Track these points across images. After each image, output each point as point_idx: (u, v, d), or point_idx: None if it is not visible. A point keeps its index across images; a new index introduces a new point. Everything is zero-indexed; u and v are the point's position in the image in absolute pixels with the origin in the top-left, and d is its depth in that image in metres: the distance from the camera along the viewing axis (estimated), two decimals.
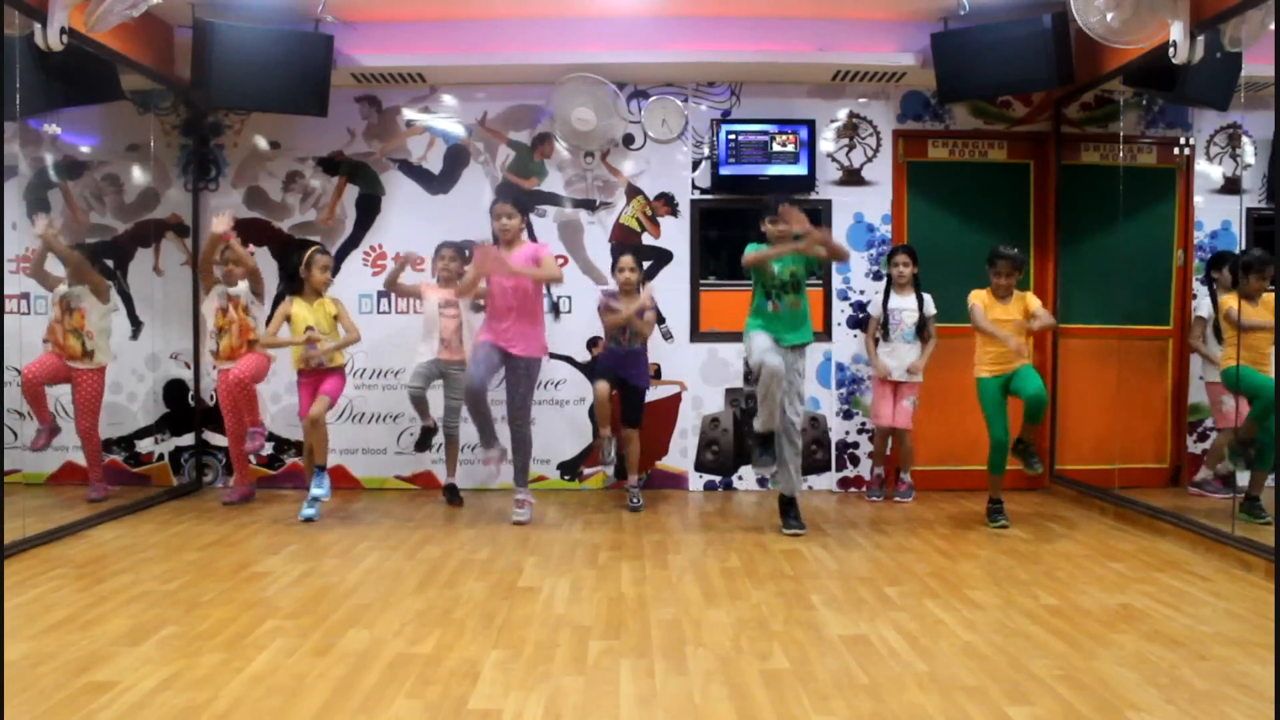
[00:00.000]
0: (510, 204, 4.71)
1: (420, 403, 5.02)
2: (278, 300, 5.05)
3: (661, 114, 5.61)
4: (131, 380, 5.54)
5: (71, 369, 4.88)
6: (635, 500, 5.07)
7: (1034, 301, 4.66)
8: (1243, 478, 4.51)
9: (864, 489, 5.53)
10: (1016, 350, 4.47)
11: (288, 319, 4.79)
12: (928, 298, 5.20)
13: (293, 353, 4.81)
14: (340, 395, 4.91)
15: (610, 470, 5.62)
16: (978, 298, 4.67)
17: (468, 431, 5.10)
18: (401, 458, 5.58)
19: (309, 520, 4.64)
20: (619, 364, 5.04)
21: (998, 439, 4.66)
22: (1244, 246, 4.66)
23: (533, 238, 5.03)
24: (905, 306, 5.18)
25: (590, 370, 5.54)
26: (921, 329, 5.18)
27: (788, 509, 4.55)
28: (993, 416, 4.66)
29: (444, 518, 4.83)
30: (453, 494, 5.18)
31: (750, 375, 5.43)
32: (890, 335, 5.19)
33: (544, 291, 4.76)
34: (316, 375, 4.79)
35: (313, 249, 4.88)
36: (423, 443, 5.09)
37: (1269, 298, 4.45)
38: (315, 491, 4.70)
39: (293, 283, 4.83)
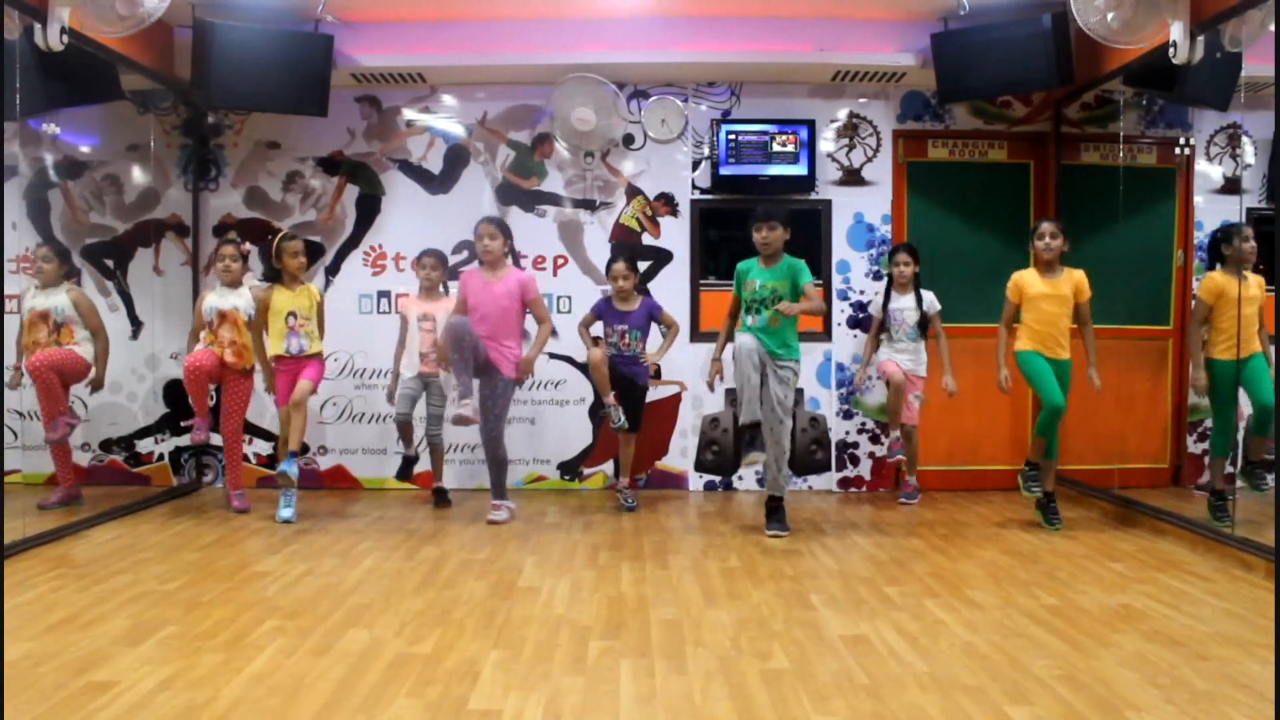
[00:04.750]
0: (494, 225, 4.70)
1: (406, 428, 5.06)
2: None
3: (661, 114, 5.61)
4: (131, 380, 5.54)
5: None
6: (629, 500, 5.05)
7: (1084, 280, 4.52)
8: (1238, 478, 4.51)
9: (887, 450, 5.36)
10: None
11: (265, 309, 4.74)
12: (928, 295, 5.20)
13: (271, 339, 4.73)
14: (321, 380, 4.84)
15: (610, 470, 5.62)
16: (1019, 276, 4.61)
17: (450, 434, 5.12)
18: (401, 457, 5.56)
19: (287, 522, 4.62)
20: (619, 363, 5.01)
21: (1054, 404, 4.42)
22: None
23: (515, 261, 4.93)
24: (905, 306, 5.18)
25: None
26: (925, 327, 5.18)
27: (773, 511, 4.50)
28: (1043, 383, 4.46)
29: (443, 518, 4.84)
30: (441, 496, 5.18)
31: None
32: (893, 336, 5.19)
33: (525, 312, 4.75)
34: (295, 362, 4.72)
35: (278, 237, 4.78)
36: (403, 472, 5.12)
37: (1254, 278, 4.40)
38: (284, 467, 4.61)
39: (273, 275, 4.76)
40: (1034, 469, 4.63)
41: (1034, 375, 4.54)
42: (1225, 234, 4.49)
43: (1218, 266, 4.51)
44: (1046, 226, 4.58)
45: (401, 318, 5.12)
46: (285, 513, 4.67)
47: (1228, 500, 4.32)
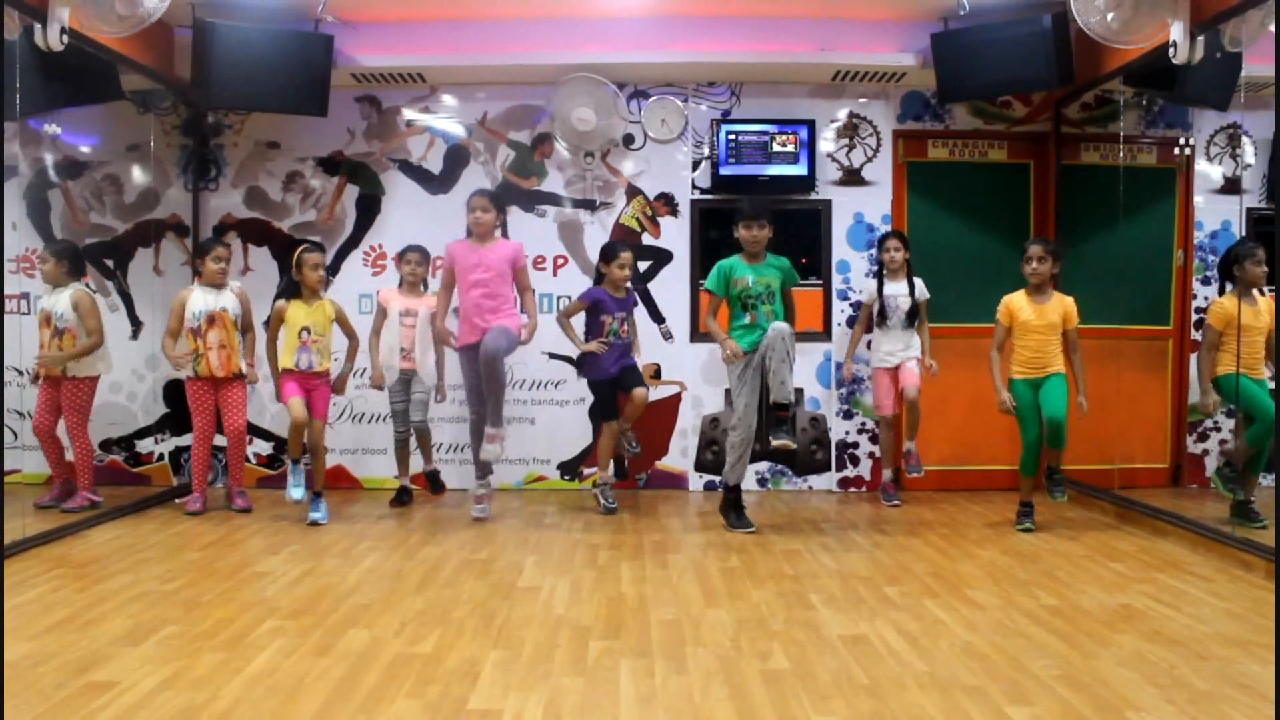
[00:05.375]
0: (487, 198, 4.68)
1: (406, 448, 5.09)
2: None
3: (661, 114, 5.61)
4: (131, 380, 5.54)
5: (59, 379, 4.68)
6: (609, 500, 4.97)
7: (1073, 307, 4.53)
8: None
9: (880, 491, 5.35)
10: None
11: (280, 321, 4.71)
12: (919, 282, 5.20)
13: (284, 351, 4.69)
14: (329, 404, 4.86)
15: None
16: (1009, 301, 4.57)
17: (447, 433, 5.11)
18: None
19: (300, 501, 4.67)
20: (614, 359, 4.94)
21: (1029, 441, 4.54)
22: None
23: (505, 233, 4.90)
24: (899, 292, 5.18)
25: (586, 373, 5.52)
26: (914, 314, 5.18)
27: (780, 422, 4.38)
28: (1024, 418, 4.54)
29: (443, 518, 4.83)
30: (434, 480, 5.20)
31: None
32: (887, 322, 5.19)
33: (513, 284, 4.71)
34: (304, 376, 4.68)
35: (300, 249, 4.73)
36: (398, 500, 5.11)
37: (1264, 301, 4.40)
38: (314, 515, 4.65)
39: (293, 287, 4.72)
40: (1028, 507, 4.62)
41: (1017, 408, 4.55)
42: (1237, 256, 4.38)
43: (1228, 287, 4.46)
44: (1034, 249, 4.52)
45: (380, 309, 5.04)
46: (296, 493, 4.66)
47: (1252, 504, 4.29)
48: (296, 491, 4.68)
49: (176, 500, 5.12)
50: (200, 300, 4.82)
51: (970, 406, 5.53)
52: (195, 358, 4.80)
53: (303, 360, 4.68)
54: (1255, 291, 4.35)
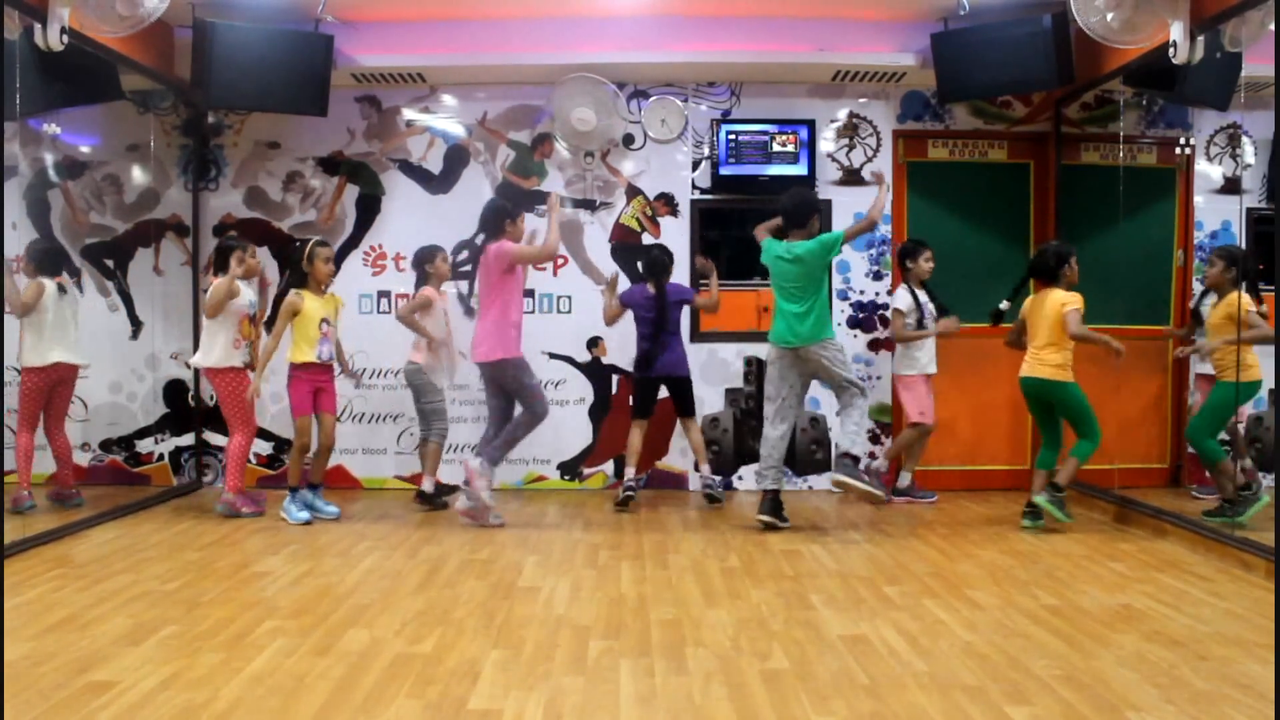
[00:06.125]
0: None
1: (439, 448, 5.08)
2: (279, 299, 4.95)
3: (661, 114, 5.61)
4: (131, 380, 5.54)
5: None
6: (715, 488, 5.10)
7: None
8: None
9: (910, 491, 5.27)
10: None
11: (295, 314, 4.66)
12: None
13: (303, 344, 4.64)
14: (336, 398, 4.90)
15: (610, 469, 5.62)
16: (1079, 301, 4.50)
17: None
18: (401, 457, 5.58)
19: (307, 523, 4.64)
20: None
21: (1097, 439, 4.48)
22: (1243, 247, 4.65)
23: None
24: (928, 300, 5.22)
25: (591, 371, 5.53)
26: (939, 318, 5.22)
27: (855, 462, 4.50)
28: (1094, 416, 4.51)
29: (443, 518, 4.83)
30: (432, 498, 5.17)
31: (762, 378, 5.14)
32: (927, 328, 5.16)
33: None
34: (319, 372, 4.70)
35: (313, 241, 4.73)
36: (429, 501, 5.05)
37: (1233, 297, 4.35)
38: (329, 509, 4.75)
39: (301, 279, 4.72)
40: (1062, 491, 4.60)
41: (1089, 406, 4.53)
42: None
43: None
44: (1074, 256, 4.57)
45: (425, 301, 4.94)
46: (303, 515, 4.66)
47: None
48: (303, 514, 4.66)
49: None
50: (247, 294, 4.89)
51: (971, 407, 5.52)
52: (248, 346, 4.83)
53: (323, 351, 4.69)
54: (1242, 293, 4.36)
